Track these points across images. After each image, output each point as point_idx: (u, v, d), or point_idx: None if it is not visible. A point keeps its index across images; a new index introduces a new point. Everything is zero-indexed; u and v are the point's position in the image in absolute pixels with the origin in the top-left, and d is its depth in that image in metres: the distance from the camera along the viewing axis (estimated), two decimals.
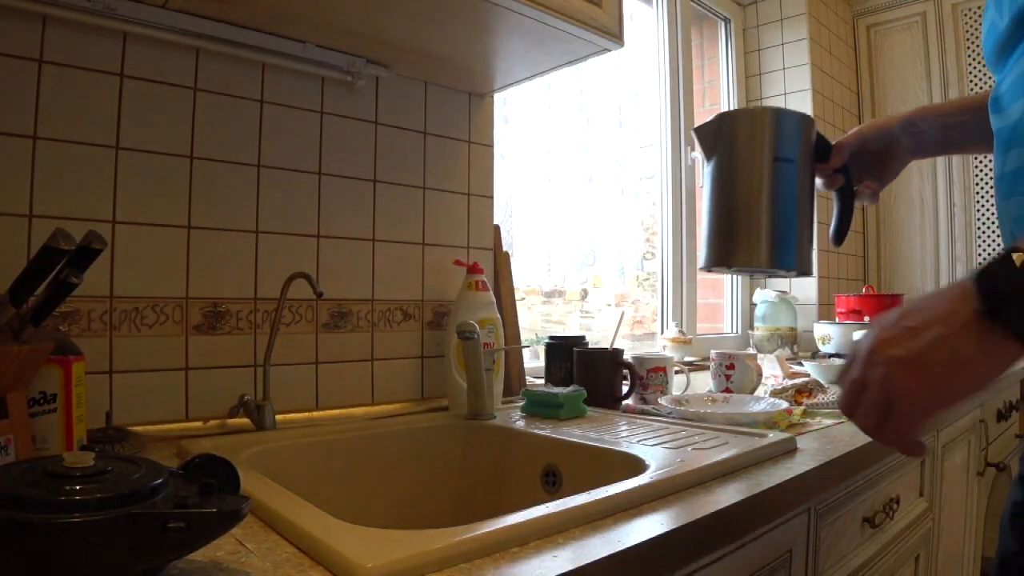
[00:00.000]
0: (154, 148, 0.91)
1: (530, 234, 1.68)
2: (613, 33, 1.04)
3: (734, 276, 2.31)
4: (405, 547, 0.47)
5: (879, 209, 2.54)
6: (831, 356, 1.91)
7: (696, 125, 0.92)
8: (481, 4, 0.91)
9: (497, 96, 1.35)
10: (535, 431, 0.95)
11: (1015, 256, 0.44)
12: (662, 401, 1.14)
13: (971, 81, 2.34)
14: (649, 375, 1.26)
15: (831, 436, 0.97)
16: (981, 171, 2.36)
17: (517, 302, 1.38)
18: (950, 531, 1.44)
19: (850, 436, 0.97)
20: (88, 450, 0.48)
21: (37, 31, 0.82)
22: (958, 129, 0.84)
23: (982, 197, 2.34)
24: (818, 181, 0.90)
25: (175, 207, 0.93)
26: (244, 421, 0.95)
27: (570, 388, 1.07)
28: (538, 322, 1.86)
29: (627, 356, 1.22)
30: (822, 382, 1.41)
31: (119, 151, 0.88)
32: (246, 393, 0.96)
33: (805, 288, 2.26)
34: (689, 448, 0.82)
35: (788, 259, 0.86)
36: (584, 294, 2.02)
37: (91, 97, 0.86)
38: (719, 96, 2.36)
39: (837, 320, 2.01)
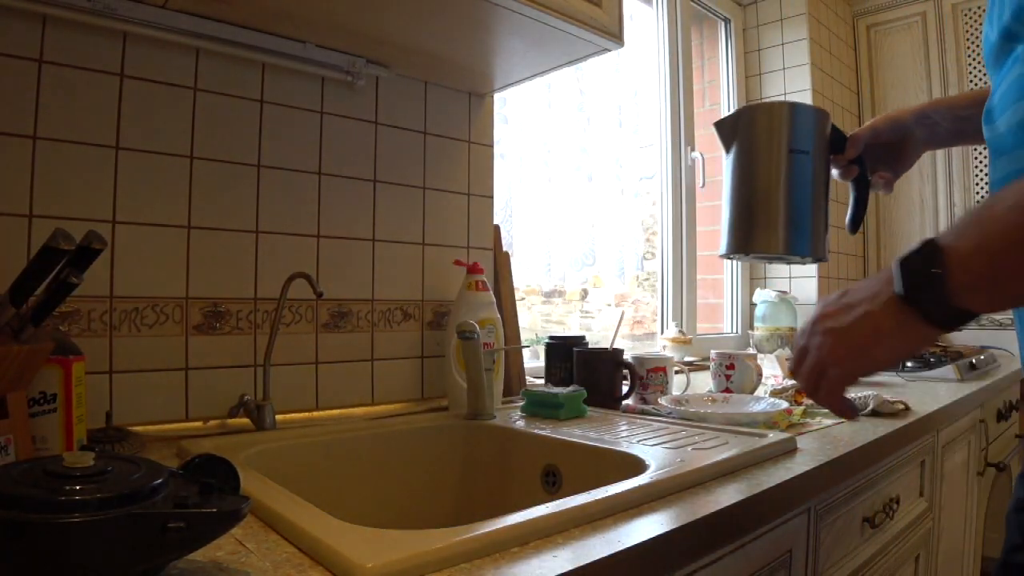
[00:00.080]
0: (154, 148, 0.91)
1: (530, 234, 1.68)
2: (613, 33, 1.04)
3: (738, 268, 2.31)
4: (405, 547, 0.47)
5: (879, 210, 2.54)
6: None
7: (717, 120, 0.96)
8: (481, 4, 0.91)
9: (497, 96, 1.35)
10: (535, 431, 0.95)
11: (933, 247, 0.50)
12: (662, 401, 1.14)
13: (971, 81, 2.34)
14: (649, 375, 1.26)
15: (831, 436, 0.97)
16: (981, 172, 2.36)
17: (517, 302, 1.38)
18: (950, 531, 1.44)
19: (850, 436, 0.97)
20: (88, 450, 0.48)
21: (37, 31, 0.82)
22: (970, 121, 0.85)
23: (982, 198, 2.34)
24: (834, 172, 0.93)
25: (175, 207, 0.93)
26: (244, 421, 0.95)
27: (570, 388, 1.07)
28: (538, 322, 1.86)
29: (627, 356, 1.22)
30: None
31: (119, 151, 0.88)
32: (246, 393, 0.96)
33: (805, 288, 2.26)
34: (689, 448, 0.82)
35: (803, 246, 0.90)
36: (584, 294, 2.02)
37: (91, 97, 0.86)
38: (719, 96, 2.36)
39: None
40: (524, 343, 1.45)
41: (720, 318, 2.32)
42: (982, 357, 1.87)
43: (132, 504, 0.40)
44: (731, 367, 1.36)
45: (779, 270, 2.32)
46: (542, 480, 0.91)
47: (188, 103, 0.94)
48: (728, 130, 0.94)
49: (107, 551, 0.39)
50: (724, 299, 2.32)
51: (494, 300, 1.20)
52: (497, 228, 1.36)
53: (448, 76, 1.22)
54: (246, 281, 1.00)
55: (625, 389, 1.20)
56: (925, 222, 2.44)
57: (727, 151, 0.94)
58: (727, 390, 1.35)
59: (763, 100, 2.32)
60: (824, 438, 0.96)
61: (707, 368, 1.49)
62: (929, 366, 1.72)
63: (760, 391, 1.35)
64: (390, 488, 0.95)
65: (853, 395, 1.19)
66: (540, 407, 1.06)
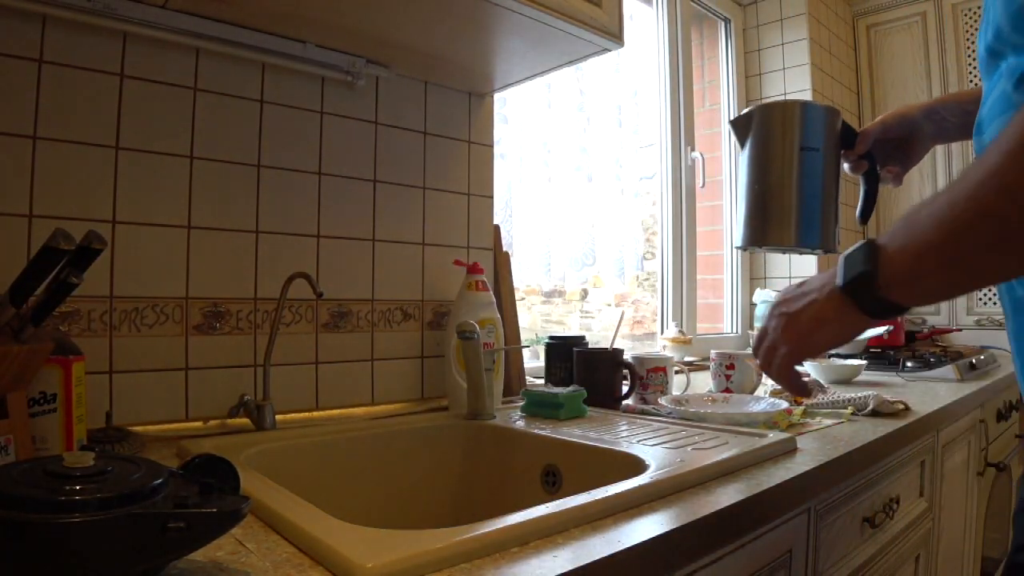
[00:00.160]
0: (154, 148, 0.91)
1: (530, 234, 1.68)
2: (613, 33, 1.04)
3: (739, 268, 2.31)
4: (405, 547, 0.47)
5: (879, 210, 2.53)
6: (831, 356, 1.91)
7: (732, 118, 1.02)
8: (481, 4, 0.91)
9: (497, 96, 1.35)
10: (535, 431, 0.95)
11: (871, 246, 0.55)
12: (662, 401, 1.13)
13: (971, 81, 2.34)
14: (649, 375, 1.26)
15: (831, 436, 0.97)
16: None
17: (517, 302, 1.38)
18: (950, 531, 1.44)
19: (850, 436, 0.97)
20: (88, 450, 0.48)
21: (37, 31, 0.82)
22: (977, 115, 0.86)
23: None
24: (845, 166, 0.97)
25: (175, 207, 0.93)
26: (244, 421, 0.95)
27: (570, 388, 1.07)
28: (538, 322, 1.86)
29: (627, 356, 1.22)
30: (822, 382, 1.41)
31: (119, 151, 0.88)
32: (246, 393, 0.96)
33: None
34: (689, 448, 0.82)
35: (812, 238, 0.94)
36: (584, 294, 2.02)
37: (91, 97, 0.86)
38: (719, 96, 2.36)
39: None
40: (524, 343, 1.45)
41: (720, 318, 2.32)
42: (982, 357, 1.87)
43: (132, 504, 0.40)
44: (731, 367, 1.36)
45: (779, 270, 2.32)
46: (542, 480, 0.91)
47: (188, 103, 0.94)
48: (742, 128, 0.98)
49: (107, 551, 0.39)
50: (724, 299, 2.32)
51: (494, 300, 1.20)
52: (497, 228, 1.36)
53: (448, 76, 1.22)
54: (246, 281, 1.00)
55: (625, 389, 1.20)
56: None
57: (742, 147, 1.00)
58: (727, 390, 1.35)
59: (776, 99, 2.32)
60: (824, 438, 0.96)
61: (707, 368, 1.49)
62: (929, 366, 1.72)
63: (760, 391, 1.35)
64: (390, 488, 0.95)
65: (852, 395, 1.20)
66: (540, 407, 1.06)
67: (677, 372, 1.38)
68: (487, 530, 0.51)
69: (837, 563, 0.92)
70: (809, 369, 1.60)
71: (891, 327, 1.91)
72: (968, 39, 2.35)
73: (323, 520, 0.54)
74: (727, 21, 2.38)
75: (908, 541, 1.16)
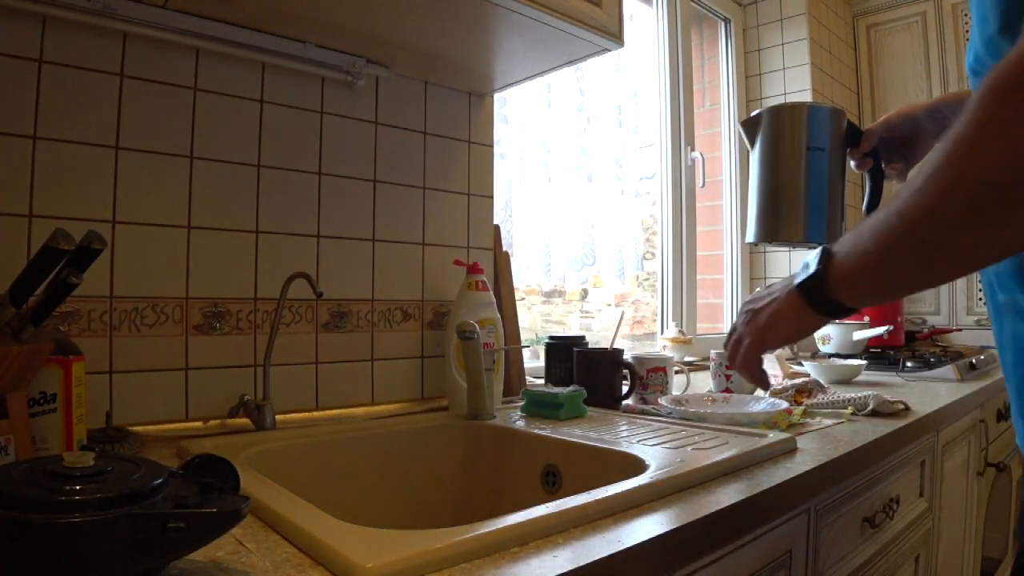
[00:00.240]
0: (154, 148, 0.91)
1: (530, 234, 1.68)
2: (613, 33, 1.04)
3: (739, 268, 2.31)
4: (405, 547, 0.47)
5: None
6: (831, 356, 1.91)
7: (742, 119, 1.08)
8: (481, 4, 0.91)
9: (497, 96, 1.35)
10: (535, 431, 0.95)
11: (825, 250, 0.61)
12: (662, 401, 1.13)
13: None
14: (649, 375, 1.26)
15: (831, 436, 0.97)
16: None
17: (517, 302, 1.38)
18: (950, 531, 1.44)
19: (850, 436, 0.97)
20: (88, 450, 0.48)
21: (37, 31, 0.82)
22: None
23: None
24: (851, 163, 1.02)
25: (175, 207, 0.93)
26: (244, 421, 0.95)
27: (570, 388, 1.07)
28: (538, 322, 1.86)
29: (627, 356, 1.22)
30: (822, 382, 1.41)
31: (119, 151, 0.88)
32: (246, 393, 0.96)
33: None
34: (689, 448, 0.82)
35: (820, 234, 0.98)
36: (584, 294, 2.02)
37: (91, 97, 0.86)
38: (719, 96, 2.36)
39: (836, 320, 2.01)
40: (524, 343, 1.45)
41: (720, 318, 2.32)
42: (982, 357, 1.87)
43: (132, 504, 0.40)
44: (731, 367, 1.36)
45: (779, 270, 2.32)
46: (542, 480, 0.91)
47: (188, 103, 0.94)
48: (752, 129, 1.05)
49: (107, 551, 0.39)
50: (724, 299, 2.32)
51: (494, 300, 1.20)
52: (497, 228, 1.36)
53: (448, 76, 1.22)
54: (246, 281, 1.00)
55: (625, 389, 1.20)
56: None
57: (751, 148, 1.06)
58: (727, 390, 1.35)
59: (779, 100, 2.32)
60: (824, 438, 0.96)
61: (707, 368, 1.49)
62: (929, 366, 1.72)
63: (760, 391, 1.35)
64: (390, 488, 0.95)
65: (852, 395, 1.20)
66: (540, 407, 1.06)
67: (677, 372, 1.38)
68: (487, 530, 0.51)
69: (837, 563, 0.92)
70: (809, 369, 1.61)
71: (891, 327, 1.91)
72: (968, 39, 2.34)
73: (323, 520, 0.54)
74: (727, 21, 2.38)
75: (908, 541, 1.16)
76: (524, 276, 1.68)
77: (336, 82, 1.09)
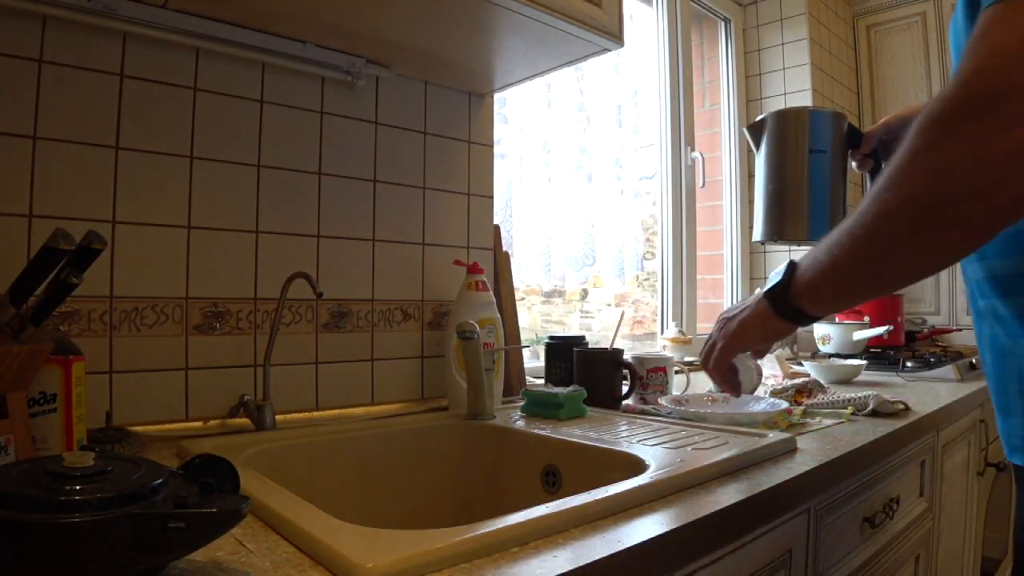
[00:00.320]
0: (154, 148, 0.91)
1: (530, 234, 1.68)
2: (613, 33, 1.04)
3: (738, 268, 2.31)
4: (405, 547, 0.47)
5: None
6: (831, 356, 1.91)
7: (747, 124, 1.17)
8: (481, 4, 0.91)
9: (497, 96, 1.35)
10: (535, 431, 0.95)
11: (791, 262, 0.67)
12: (662, 401, 1.13)
13: None
14: (649, 375, 1.26)
15: (831, 436, 0.97)
16: None
17: (517, 302, 1.38)
18: (950, 531, 1.44)
19: (850, 436, 0.97)
20: (88, 450, 0.48)
21: (37, 31, 0.82)
22: None
23: None
24: (852, 164, 1.05)
25: (175, 207, 0.93)
26: (244, 421, 0.95)
27: (570, 388, 1.07)
28: (538, 322, 1.86)
29: (627, 356, 1.22)
30: (822, 382, 1.41)
31: (119, 151, 0.88)
32: (246, 393, 0.96)
33: None
34: (689, 448, 0.82)
35: (822, 232, 1.02)
36: (584, 294, 2.02)
37: (91, 97, 0.86)
38: (719, 96, 2.36)
39: (837, 320, 2.02)
40: (524, 343, 1.45)
41: None
42: None
43: (132, 504, 0.40)
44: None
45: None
46: (542, 480, 0.91)
47: (188, 103, 0.94)
48: (756, 133, 1.10)
49: (107, 551, 0.39)
50: (724, 299, 2.32)
51: (494, 300, 1.20)
52: (497, 228, 1.36)
53: (448, 76, 1.22)
54: (246, 281, 1.00)
55: (625, 389, 1.20)
56: None
57: (756, 151, 1.12)
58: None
59: (779, 100, 2.33)
60: (824, 438, 0.96)
61: None
62: (929, 366, 1.72)
63: (760, 391, 1.35)
64: (390, 488, 0.95)
65: (852, 395, 1.20)
66: (540, 407, 1.06)
67: (677, 372, 1.38)
68: (487, 530, 0.51)
69: (837, 563, 0.92)
70: (809, 369, 1.61)
71: (891, 327, 1.91)
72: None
73: (323, 520, 0.54)
74: (727, 21, 2.38)
75: (908, 541, 1.16)
76: (524, 276, 1.68)
77: (336, 82, 1.09)
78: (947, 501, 1.39)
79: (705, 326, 2.22)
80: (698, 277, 2.14)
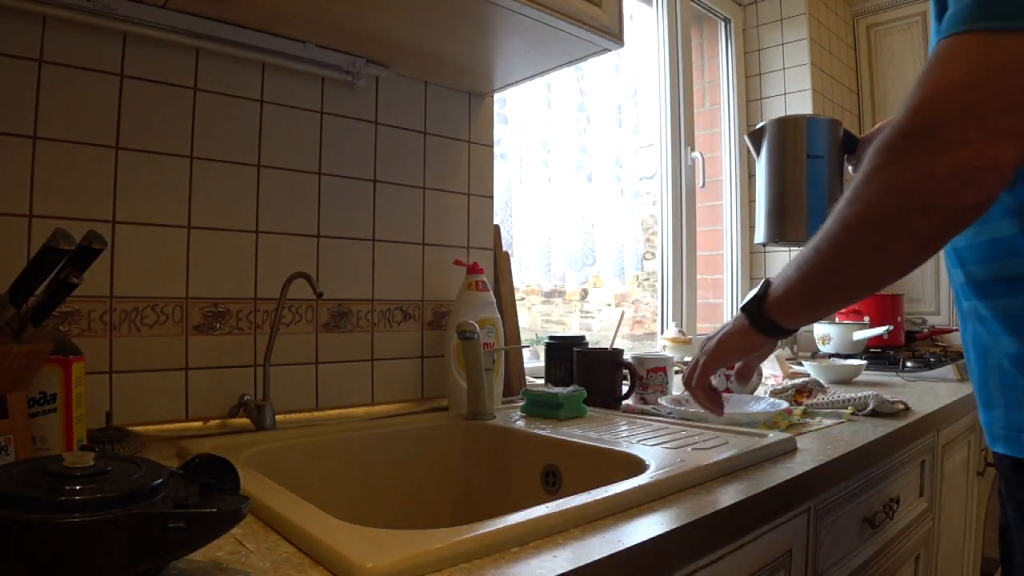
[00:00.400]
0: (154, 148, 0.91)
1: (530, 234, 1.68)
2: (613, 33, 1.04)
3: (739, 268, 2.31)
4: (405, 547, 0.47)
5: None
6: (831, 356, 1.91)
7: (747, 127, 1.22)
8: (481, 4, 0.91)
9: (497, 96, 1.35)
10: (535, 431, 0.95)
11: (766, 279, 0.72)
12: (662, 401, 1.14)
13: None
14: (649, 375, 1.26)
15: (831, 436, 0.97)
16: None
17: (517, 302, 1.38)
18: (950, 531, 1.44)
19: (850, 436, 0.97)
20: (88, 450, 0.48)
21: (37, 31, 0.82)
22: None
23: None
24: (849, 169, 1.10)
25: (175, 207, 0.93)
26: (244, 421, 0.95)
27: (570, 388, 1.07)
28: (538, 322, 1.86)
29: (627, 356, 1.22)
30: (822, 382, 1.41)
31: (119, 151, 0.88)
32: (246, 393, 0.96)
33: None
34: (689, 448, 0.82)
35: None
36: (584, 294, 2.02)
37: (91, 97, 0.86)
38: (719, 96, 2.36)
39: (836, 320, 2.02)
40: (524, 343, 1.45)
41: (720, 318, 2.32)
42: None
43: (132, 504, 0.40)
44: (731, 367, 1.36)
45: (778, 270, 2.32)
46: (542, 480, 0.91)
47: (188, 103, 0.94)
48: (757, 139, 1.17)
49: (107, 551, 0.39)
50: (724, 299, 2.32)
51: (494, 300, 1.20)
52: (497, 228, 1.36)
53: (448, 76, 1.22)
54: (246, 281, 1.00)
55: (625, 389, 1.20)
56: None
57: (756, 156, 1.18)
58: (727, 390, 1.35)
59: (777, 103, 2.33)
60: (824, 438, 0.96)
61: None
62: (929, 366, 1.72)
63: (760, 391, 1.35)
64: (390, 488, 0.95)
65: (852, 395, 1.20)
66: (540, 407, 1.06)
67: (677, 372, 1.38)
68: (487, 530, 0.51)
69: (837, 563, 0.92)
70: (809, 369, 1.61)
71: (891, 327, 1.91)
72: None
73: (323, 520, 0.54)
74: (727, 21, 2.38)
75: (908, 541, 1.16)
76: (524, 276, 1.68)
77: (336, 82, 1.09)
78: (947, 501, 1.39)
79: (705, 326, 2.22)
80: (698, 277, 2.14)
